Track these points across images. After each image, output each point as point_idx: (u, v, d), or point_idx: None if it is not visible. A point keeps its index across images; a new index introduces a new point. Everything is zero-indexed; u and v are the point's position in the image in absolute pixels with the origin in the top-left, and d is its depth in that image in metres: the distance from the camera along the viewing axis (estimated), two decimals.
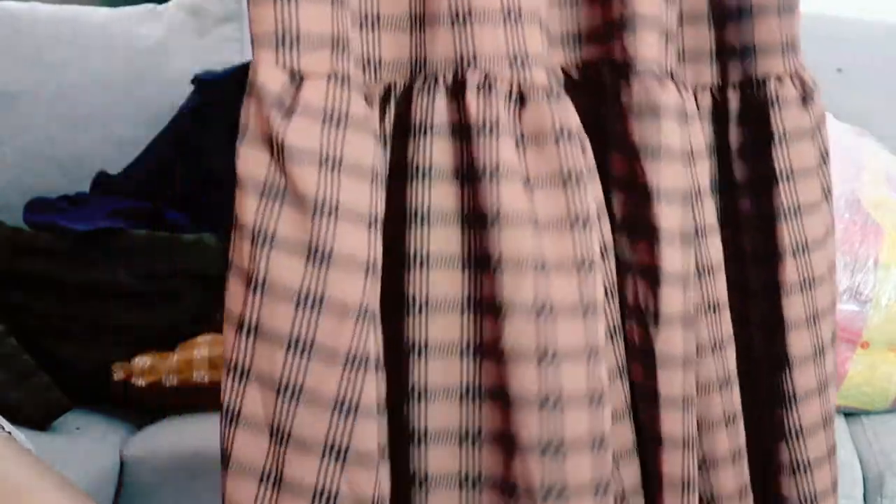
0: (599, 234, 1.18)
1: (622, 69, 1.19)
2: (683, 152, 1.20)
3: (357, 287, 1.08)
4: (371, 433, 1.09)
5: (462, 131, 1.13)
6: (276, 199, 1.07)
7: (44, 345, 1.96)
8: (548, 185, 1.14)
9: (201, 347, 1.99)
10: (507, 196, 1.11)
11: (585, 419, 1.13)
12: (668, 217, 1.18)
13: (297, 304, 1.07)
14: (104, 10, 2.53)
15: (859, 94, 2.42)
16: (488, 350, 1.13)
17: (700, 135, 1.23)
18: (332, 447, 1.08)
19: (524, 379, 1.11)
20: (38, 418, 1.86)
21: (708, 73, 1.26)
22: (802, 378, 1.26)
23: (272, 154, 1.07)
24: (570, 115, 1.15)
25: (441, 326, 1.13)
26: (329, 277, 1.07)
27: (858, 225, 2.01)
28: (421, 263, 1.13)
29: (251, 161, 1.08)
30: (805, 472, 1.27)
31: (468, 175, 1.13)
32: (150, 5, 2.54)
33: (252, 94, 1.08)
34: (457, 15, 1.13)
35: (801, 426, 1.27)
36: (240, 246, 1.08)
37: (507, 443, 1.13)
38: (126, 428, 1.96)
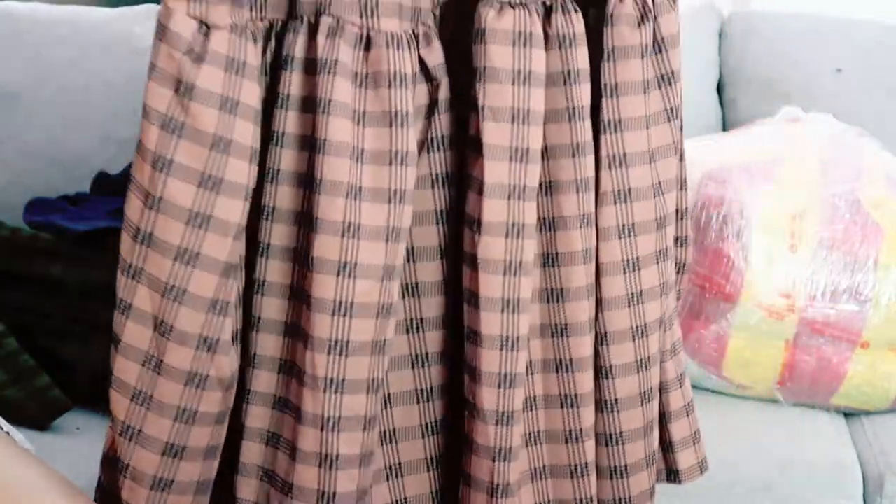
0: (432, 166, 1.36)
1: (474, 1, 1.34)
2: (516, 74, 1.32)
3: (238, 209, 1.28)
4: (231, 327, 1.31)
5: (311, 67, 1.30)
6: (176, 132, 1.25)
7: (44, 345, 1.96)
8: (377, 122, 1.30)
9: None
10: (333, 128, 1.28)
11: (370, 328, 1.30)
12: (492, 133, 1.32)
13: (188, 222, 1.26)
14: (104, 10, 2.53)
15: (859, 94, 2.42)
16: (306, 259, 1.30)
17: (542, 58, 1.33)
18: (205, 340, 1.28)
19: (323, 287, 1.29)
20: (38, 418, 1.86)
21: None
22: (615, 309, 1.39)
23: (177, 93, 1.25)
24: (408, 62, 1.31)
25: (279, 234, 1.32)
26: (217, 201, 1.26)
27: (859, 225, 2.01)
28: (272, 179, 1.32)
29: (158, 96, 1.26)
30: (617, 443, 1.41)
31: (309, 106, 1.30)
32: (150, 5, 2.53)
33: (164, 39, 1.25)
34: None
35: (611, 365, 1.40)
36: (141, 166, 1.27)
37: (305, 338, 1.31)
38: None
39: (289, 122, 1.30)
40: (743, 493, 1.88)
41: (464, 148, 1.36)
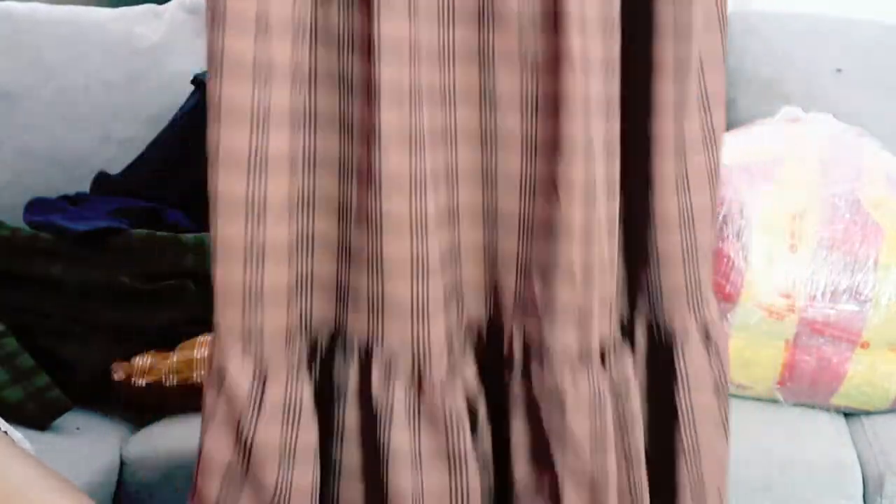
0: None
1: (537, 351, 1.31)
2: (594, 437, 1.30)
3: None
4: None
5: (367, 403, 1.26)
6: (236, 483, 1.23)
7: (44, 345, 1.96)
8: (436, 462, 1.26)
9: (201, 347, 1.98)
10: (394, 475, 1.25)
11: None
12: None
13: None
14: (104, 10, 2.53)
15: (859, 94, 2.42)
16: None
17: (609, 416, 1.32)
18: None
19: None
20: (38, 418, 1.86)
21: (615, 319, 1.34)
22: None
23: (237, 441, 1.23)
24: (459, 396, 1.28)
25: None
26: None
27: (859, 225, 2.01)
28: None
29: (216, 444, 1.23)
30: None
31: (371, 447, 1.26)
32: (150, 5, 2.54)
33: (219, 387, 1.24)
34: (372, 299, 1.25)
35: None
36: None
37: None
38: (126, 428, 1.96)
39: (346, 455, 1.28)
40: (743, 493, 1.88)
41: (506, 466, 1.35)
